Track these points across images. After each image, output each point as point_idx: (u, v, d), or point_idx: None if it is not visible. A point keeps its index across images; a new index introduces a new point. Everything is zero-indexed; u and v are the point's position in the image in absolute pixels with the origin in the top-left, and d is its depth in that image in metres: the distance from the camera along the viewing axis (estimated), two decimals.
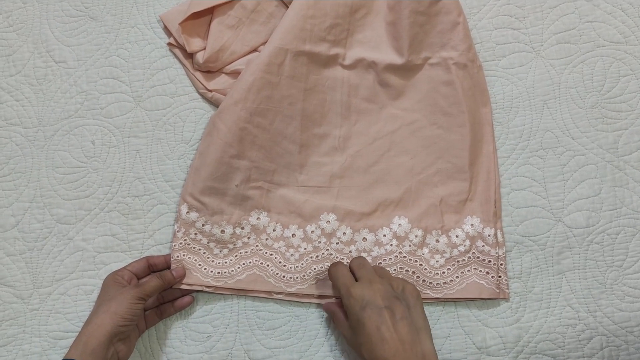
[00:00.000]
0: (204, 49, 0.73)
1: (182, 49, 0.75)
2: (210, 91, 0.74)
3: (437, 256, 0.69)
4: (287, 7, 0.73)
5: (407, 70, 0.73)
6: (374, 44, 0.73)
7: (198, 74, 0.75)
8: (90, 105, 0.76)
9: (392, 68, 0.72)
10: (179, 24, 0.73)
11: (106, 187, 0.73)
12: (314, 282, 0.68)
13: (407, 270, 0.68)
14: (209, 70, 0.74)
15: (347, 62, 0.73)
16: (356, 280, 0.61)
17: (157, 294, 0.66)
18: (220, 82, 0.74)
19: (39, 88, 0.76)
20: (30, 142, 0.75)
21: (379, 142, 0.72)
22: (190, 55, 0.75)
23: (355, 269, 0.63)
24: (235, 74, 0.73)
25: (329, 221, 0.70)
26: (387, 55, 0.72)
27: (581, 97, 0.74)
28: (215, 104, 0.74)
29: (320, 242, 0.69)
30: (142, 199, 0.72)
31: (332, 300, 0.68)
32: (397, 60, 0.72)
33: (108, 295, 0.62)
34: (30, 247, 0.72)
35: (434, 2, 0.71)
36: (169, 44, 0.76)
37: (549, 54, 0.76)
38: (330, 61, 0.72)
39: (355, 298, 0.58)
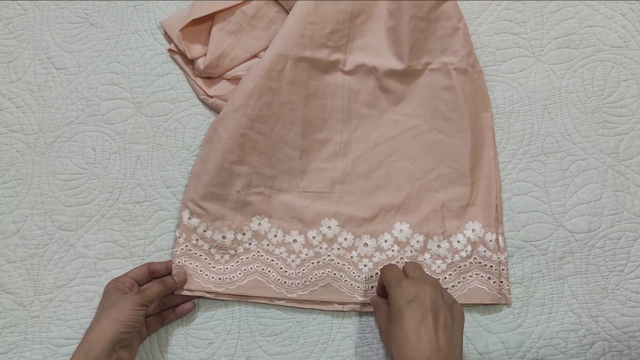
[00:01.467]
0: (205, 55, 0.73)
1: (183, 55, 0.75)
2: (211, 97, 0.74)
3: (439, 262, 0.68)
4: (288, 13, 0.73)
5: (407, 75, 0.73)
6: (375, 49, 0.73)
7: (199, 80, 0.75)
8: (91, 111, 0.76)
9: (392, 73, 0.72)
10: (180, 30, 0.73)
11: (107, 193, 0.73)
12: (315, 288, 0.68)
13: None
14: (210, 77, 0.74)
15: (347, 67, 0.73)
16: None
17: (159, 300, 0.66)
18: (220, 88, 0.74)
19: (40, 95, 0.76)
20: (31, 149, 0.75)
21: (379, 148, 0.72)
22: (190, 62, 0.75)
23: (410, 270, 0.60)
24: (236, 80, 0.73)
25: (330, 227, 0.70)
26: (388, 61, 0.73)
27: (582, 102, 0.74)
28: (215, 110, 0.74)
29: (321, 247, 0.69)
30: (143, 206, 0.72)
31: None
32: (398, 65, 0.72)
33: (110, 302, 0.62)
34: (31, 253, 0.71)
35: (434, 7, 0.71)
36: (170, 50, 0.76)
37: (549, 59, 0.76)
38: (331, 67, 0.72)
39: (404, 289, 0.55)
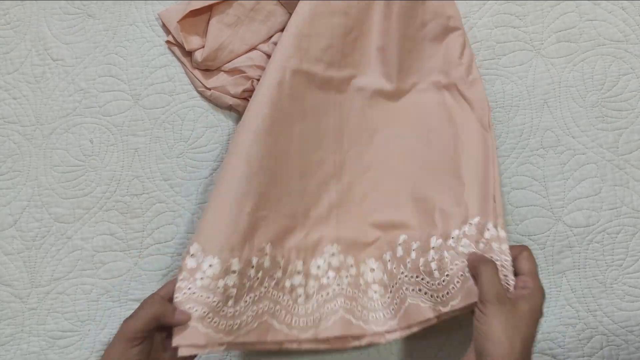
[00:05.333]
0: (203, 47, 0.73)
1: (181, 47, 0.75)
2: (209, 89, 0.74)
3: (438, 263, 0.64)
4: (285, 8, 0.73)
5: (396, 95, 0.71)
6: (364, 68, 0.71)
7: (197, 72, 0.74)
8: (89, 103, 0.75)
9: (381, 93, 0.71)
10: (177, 22, 0.72)
11: (104, 185, 0.73)
12: (328, 324, 0.61)
13: (412, 290, 0.63)
14: (208, 69, 0.74)
15: (339, 85, 0.71)
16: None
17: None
18: (219, 80, 0.74)
19: (37, 86, 0.76)
20: (28, 141, 0.74)
21: (373, 170, 0.70)
22: (188, 54, 0.75)
23: (528, 272, 0.55)
24: (234, 72, 0.73)
25: (333, 253, 0.66)
26: (377, 80, 0.71)
27: (581, 96, 0.74)
28: (214, 102, 0.74)
29: (328, 278, 0.65)
30: (140, 198, 0.72)
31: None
32: (387, 86, 0.71)
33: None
34: (28, 246, 0.71)
35: (422, 27, 0.70)
36: (168, 42, 0.76)
37: (549, 53, 0.75)
38: (325, 84, 0.70)
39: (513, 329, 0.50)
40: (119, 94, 0.75)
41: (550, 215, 0.71)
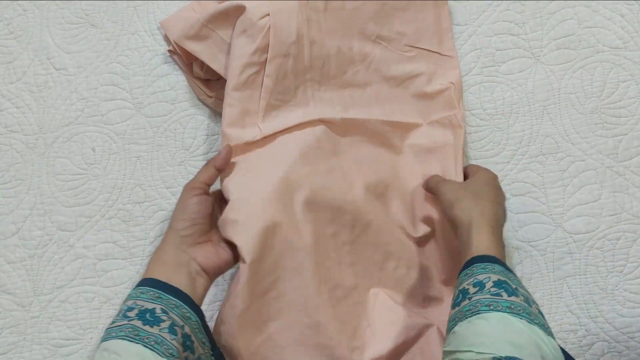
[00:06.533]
0: None
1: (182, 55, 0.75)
2: (211, 97, 0.74)
3: None
4: None
5: None
6: None
7: (198, 80, 0.75)
8: (91, 112, 0.76)
9: None
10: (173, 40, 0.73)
11: (107, 194, 0.73)
12: None
13: None
14: (209, 79, 0.74)
15: None
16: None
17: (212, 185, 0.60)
18: (220, 87, 0.74)
19: (40, 95, 0.77)
20: (31, 150, 0.75)
21: None
22: (190, 62, 0.75)
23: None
24: None
25: None
26: None
27: (581, 103, 0.74)
28: (215, 109, 0.74)
29: None
30: (142, 206, 0.72)
31: None
32: None
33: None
34: (31, 254, 0.72)
35: None
36: (169, 51, 0.76)
37: (548, 60, 0.76)
38: None
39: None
40: (121, 103, 0.76)
41: (550, 221, 0.71)
